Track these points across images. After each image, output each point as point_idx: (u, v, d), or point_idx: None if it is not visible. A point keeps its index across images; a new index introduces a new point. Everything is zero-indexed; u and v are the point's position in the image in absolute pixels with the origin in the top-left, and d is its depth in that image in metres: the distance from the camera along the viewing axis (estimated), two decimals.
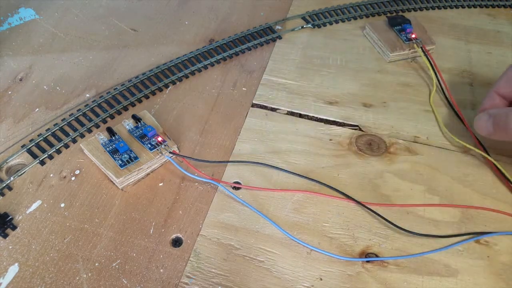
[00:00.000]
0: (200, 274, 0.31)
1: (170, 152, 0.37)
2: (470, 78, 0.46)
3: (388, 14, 0.54)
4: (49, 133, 0.39)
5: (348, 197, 0.36)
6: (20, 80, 0.44)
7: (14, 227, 0.33)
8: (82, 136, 0.40)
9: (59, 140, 0.39)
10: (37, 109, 0.42)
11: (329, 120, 0.42)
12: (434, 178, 0.37)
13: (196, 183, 0.37)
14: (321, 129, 0.41)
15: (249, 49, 0.49)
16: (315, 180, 0.37)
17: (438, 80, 0.45)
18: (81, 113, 0.41)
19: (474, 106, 0.43)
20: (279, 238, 0.33)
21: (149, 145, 0.36)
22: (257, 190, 0.36)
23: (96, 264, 0.32)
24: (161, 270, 0.31)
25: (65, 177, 0.37)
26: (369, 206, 0.35)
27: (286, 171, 0.37)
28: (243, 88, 0.45)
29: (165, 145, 0.37)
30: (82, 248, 0.32)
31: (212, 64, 0.47)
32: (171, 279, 0.31)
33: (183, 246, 0.33)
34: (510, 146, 0.39)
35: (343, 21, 0.53)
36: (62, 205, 0.35)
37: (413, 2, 0.55)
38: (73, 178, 0.37)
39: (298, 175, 0.37)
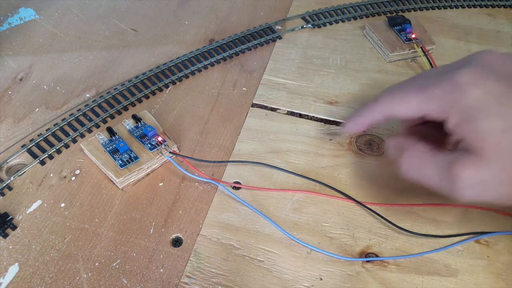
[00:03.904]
0: (200, 274, 0.31)
1: (170, 152, 0.37)
2: None
3: (388, 14, 0.54)
4: (49, 133, 0.39)
5: (348, 197, 0.36)
6: (20, 80, 0.44)
7: (14, 227, 0.33)
8: (82, 136, 0.40)
9: (59, 140, 0.39)
10: (37, 109, 0.42)
11: (329, 120, 0.42)
12: None
13: (196, 183, 0.37)
14: (321, 129, 0.41)
15: (249, 49, 0.49)
16: (315, 180, 0.37)
17: None
18: (81, 113, 0.41)
19: None
20: (279, 238, 0.33)
21: (149, 145, 0.36)
22: (257, 190, 0.36)
23: (96, 264, 0.32)
24: (161, 270, 0.32)
25: (65, 177, 0.37)
26: (369, 206, 0.35)
27: (286, 171, 0.37)
28: (243, 88, 0.45)
29: (165, 145, 0.37)
30: (82, 248, 0.32)
31: (212, 64, 0.47)
32: (171, 279, 0.31)
33: (183, 246, 0.33)
34: None
35: (343, 21, 0.53)
36: (62, 205, 0.35)
37: (413, 2, 0.55)
38: (73, 178, 0.37)
39: (298, 175, 0.37)
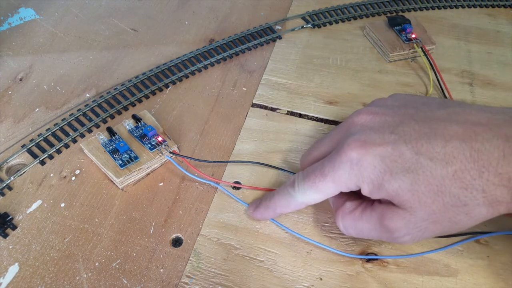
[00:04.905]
0: (200, 274, 0.31)
1: (170, 152, 0.37)
2: (470, 78, 0.46)
3: (388, 14, 0.54)
4: (49, 133, 0.39)
5: None
6: (20, 80, 0.44)
7: (14, 227, 0.33)
8: (82, 136, 0.40)
9: (59, 140, 0.39)
10: (37, 109, 0.42)
11: (329, 120, 0.42)
12: None
13: (196, 183, 0.37)
14: (321, 129, 0.41)
15: (249, 49, 0.49)
16: None
17: (438, 80, 0.45)
18: (81, 113, 0.41)
19: None
20: (279, 238, 0.33)
21: (149, 145, 0.36)
22: (257, 190, 0.36)
23: (96, 264, 0.32)
24: (161, 270, 0.32)
25: (65, 177, 0.37)
26: None
27: (286, 171, 0.37)
28: (243, 88, 0.45)
29: (165, 145, 0.37)
30: (82, 248, 0.32)
31: (212, 64, 0.47)
32: (171, 279, 0.31)
33: (183, 246, 0.33)
34: None
35: (343, 21, 0.53)
36: (62, 205, 0.35)
37: (413, 2, 0.55)
38: (73, 178, 0.37)
39: None
